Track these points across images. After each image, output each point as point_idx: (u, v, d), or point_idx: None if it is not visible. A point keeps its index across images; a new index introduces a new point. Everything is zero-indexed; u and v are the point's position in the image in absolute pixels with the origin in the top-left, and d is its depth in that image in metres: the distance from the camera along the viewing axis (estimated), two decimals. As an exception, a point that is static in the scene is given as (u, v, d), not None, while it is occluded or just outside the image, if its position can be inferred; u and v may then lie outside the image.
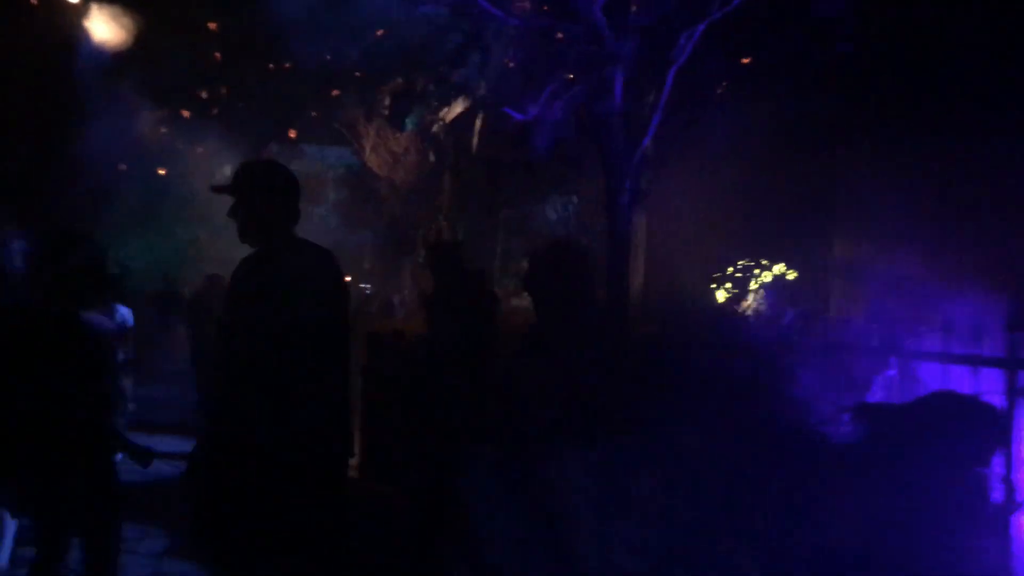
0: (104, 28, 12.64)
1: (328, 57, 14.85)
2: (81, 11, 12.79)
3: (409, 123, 10.83)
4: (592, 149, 8.16)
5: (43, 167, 13.48)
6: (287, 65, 15.50)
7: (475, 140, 10.27)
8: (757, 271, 10.90)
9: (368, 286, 17.33)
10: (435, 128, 10.37)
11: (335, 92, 14.48)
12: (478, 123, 10.35)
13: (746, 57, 6.65)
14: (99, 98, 12.83)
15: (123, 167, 13.66)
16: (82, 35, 12.75)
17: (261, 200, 3.25)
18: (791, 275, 12.84)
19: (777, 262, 10.97)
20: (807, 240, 9.37)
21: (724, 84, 6.83)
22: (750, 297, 11.75)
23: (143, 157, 13.83)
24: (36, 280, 3.71)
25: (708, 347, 3.00)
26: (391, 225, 13.67)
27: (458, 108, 10.57)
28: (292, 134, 16.75)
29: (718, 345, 3.05)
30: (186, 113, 14.73)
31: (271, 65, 15.93)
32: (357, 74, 13.77)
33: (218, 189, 3.37)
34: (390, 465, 6.54)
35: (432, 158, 10.27)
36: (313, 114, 15.98)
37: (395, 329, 7.50)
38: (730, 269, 11.54)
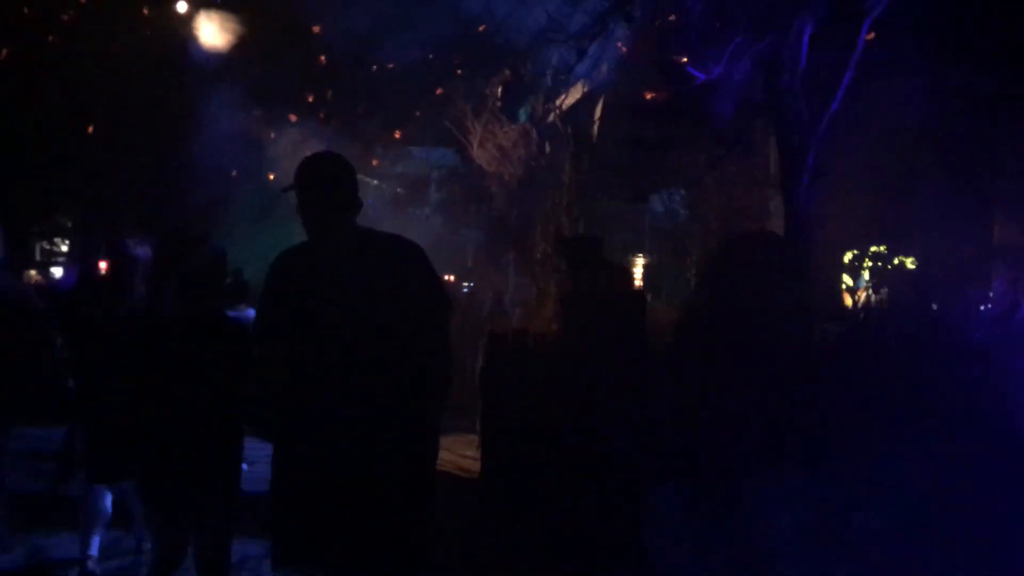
0: (212, 35, 12.80)
1: (431, 56, 14.75)
2: (190, 20, 12.98)
3: (522, 114, 10.48)
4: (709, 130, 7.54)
5: (159, 175, 13.76)
6: (391, 66, 15.47)
7: (595, 127, 9.81)
8: (902, 258, 10.10)
9: (470, 284, 17.13)
10: (551, 117, 9.96)
11: (439, 91, 14.32)
12: (599, 109, 9.89)
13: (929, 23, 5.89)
14: (209, 105, 13.01)
15: (235, 173, 13.82)
16: (192, 43, 12.94)
17: (317, 191, 3.26)
18: (910, 263, 11.93)
19: (918, 249, 10.14)
20: (958, 224, 8.56)
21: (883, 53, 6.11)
22: (881, 287, 10.91)
23: (254, 162, 13.96)
24: (157, 284, 3.70)
25: (928, 351, 2.50)
26: (498, 223, 13.35)
27: (576, 94, 10.14)
28: (397, 135, 16.71)
29: (939, 348, 2.56)
30: (293, 117, 14.87)
31: (375, 67, 15.95)
32: (459, 72, 13.57)
33: (285, 189, 3.38)
34: (513, 474, 6.19)
35: (548, 149, 9.88)
36: (417, 114, 15.90)
37: (516, 329, 7.14)
38: (868, 261, 10.75)
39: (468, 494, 7.17)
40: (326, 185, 3.28)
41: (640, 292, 4.12)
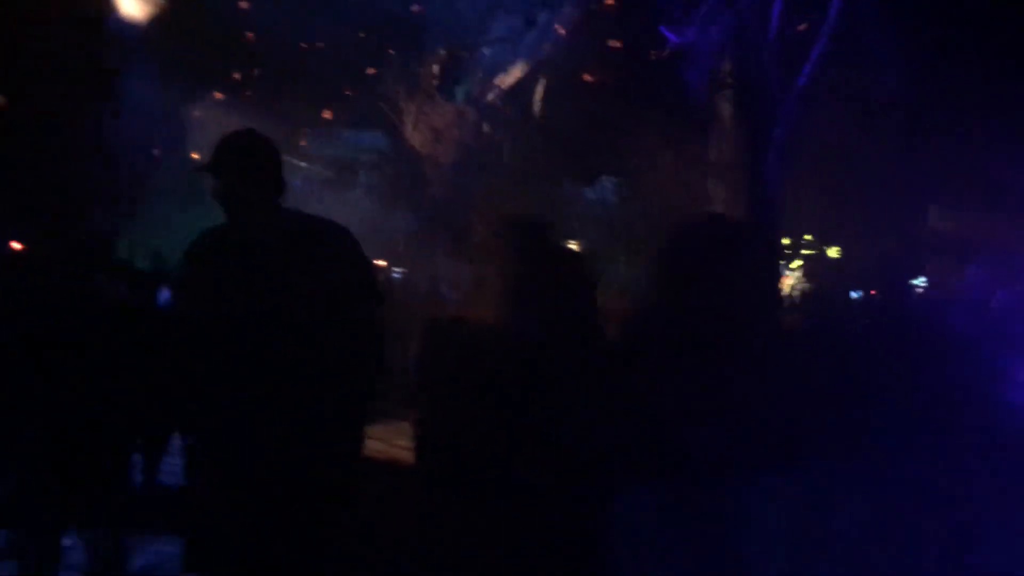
0: (132, 6, 12.26)
1: (361, 35, 14.40)
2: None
3: (460, 93, 10.21)
4: (651, 113, 7.42)
5: (75, 155, 13.13)
6: (320, 44, 15.06)
7: (538, 107, 9.58)
8: (829, 247, 10.18)
9: (402, 270, 16.90)
10: (490, 97, 9.70)
11: (371, 70, 13.98)
12: (541, 88, 9.64)
13: None
14: (129, 82, 12.50)
15: (157, 152, 13.31)
16: (110, 14, 12.38)
17: (233, 171, 3.05)
18: (832, 251, 12.11)
19: (846, 235, 10.24)
20: (889, 210, 8.60)
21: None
22: (795, 276, 11.02)
23: (178, 142, 13.45)
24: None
25: (906, 343, 2.38)
26: (433, 206, 13.12)
27: (518, 73, 9.90)
28: (327, 114, 16.28)
29: (917, 340, 2.44)
30: (219, 95, 14.36)
31: (304, 44, 15.50)
32: (391, 51, 13.28)
33: (200, 169, 3.14)
34: (454, 476, 5.98)
35: (487, 130, 9.64)
36: (348, 93, 15.51)
37: (455, 317, 6.91)
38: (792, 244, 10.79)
39: (404, 485, 6.97)
40: (243, 165, 3.05)
41: (594, 278, 3.94)
